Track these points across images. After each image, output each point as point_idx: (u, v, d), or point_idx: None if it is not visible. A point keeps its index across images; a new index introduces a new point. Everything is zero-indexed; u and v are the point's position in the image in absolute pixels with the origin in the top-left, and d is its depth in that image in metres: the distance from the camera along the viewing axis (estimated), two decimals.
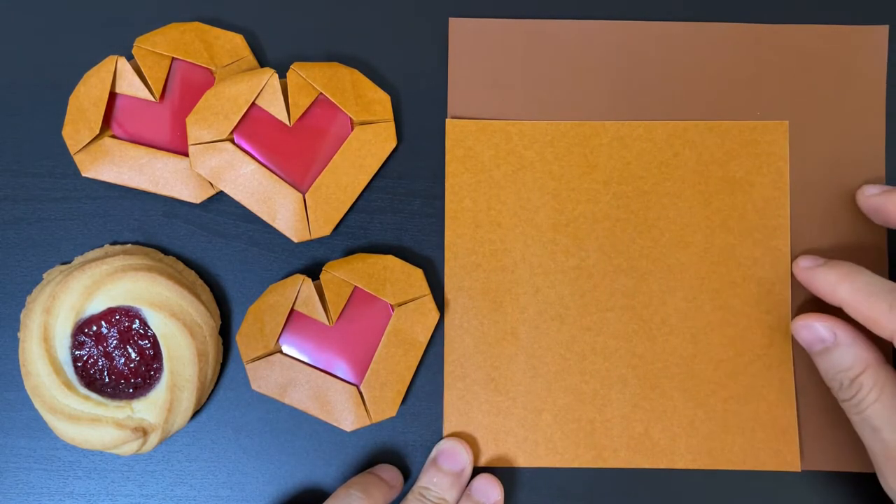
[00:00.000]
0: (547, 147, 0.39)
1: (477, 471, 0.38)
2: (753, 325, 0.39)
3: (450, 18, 0.40)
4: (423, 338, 0.38)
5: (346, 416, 0.37)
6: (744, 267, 0.39)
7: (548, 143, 0.39)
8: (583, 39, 0.40)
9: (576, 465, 0.38)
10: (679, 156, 0.39)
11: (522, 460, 0.38)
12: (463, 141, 0.39)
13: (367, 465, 0.39)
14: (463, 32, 0.40)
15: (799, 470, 0.38)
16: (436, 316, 0.38)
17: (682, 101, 0.40)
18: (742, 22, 0.40)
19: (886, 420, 0.33)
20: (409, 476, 0.39)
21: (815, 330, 0.36)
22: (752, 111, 0.40)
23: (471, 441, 0.38)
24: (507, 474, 0.39)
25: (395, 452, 0.39)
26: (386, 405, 0.37)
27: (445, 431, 0.38)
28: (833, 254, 0.39)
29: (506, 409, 0.38)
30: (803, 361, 0.38)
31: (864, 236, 0.39)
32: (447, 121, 0.39)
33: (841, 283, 0.35)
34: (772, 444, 0.38)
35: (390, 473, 0.37)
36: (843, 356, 0.35)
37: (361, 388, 0.37)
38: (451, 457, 0.37)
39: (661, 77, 0.40)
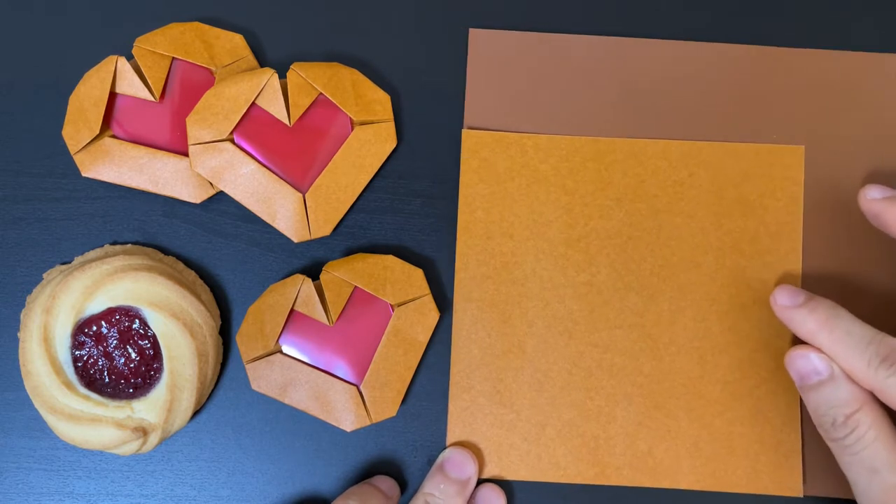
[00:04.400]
0: (562, 161, 0.39)
1: (479, 482, 0.38)
2: (761, 348, 0.38)
3: (470, 29, 0.40)
4: (424, 338, 0.38)
5: (347, 416, 0.37)
6: (753, 290, 0.38)
7: (563, 157, 0.39)
8: (602, 55, 0.40)
9: (578, 480, 0.38)
10: (694, 176, 0.39)
11: (524, 474, 0.38)
12: (478, 152, 0.39)
13: (367, 464, 0.39)
14: (482, 43, 0.40)
15: (801, 495, 0.38)
16: (436, 316, 0.38)
17: (699, 120, 0.39)
18: (762, 45, 0.40)
19: (886, 461, 0.31)
20: (405, 484, 0.39)
21: (811, 361, 0.34)
22: (768, 134, 0.39)
23: (474, 452, 0.38)
24: (508, 487, 0.39)
25: (396, 452, 0.39)
26: (386, 405, 0.37)
27: (448, 441, 0.38)
28: (845, 281, 0.39)
29: (510, 422, 0.38)
30: None
31: (877, 265, 0.39)
32: (463, 131, 0.39)
33: (819, 332, 0.33)
34: (775, 469, 0.38)
35: (387, 484, 0.37)
36: (839, 392, 0.33)
37: (361, 388, 0.37)
38: (458, 465, 0.37)
39: (679, 96, 0.40)
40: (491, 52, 0.40)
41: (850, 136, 0.39)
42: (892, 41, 0.40)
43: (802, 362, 0.34)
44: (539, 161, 0.39)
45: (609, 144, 0.39)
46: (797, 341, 0.36)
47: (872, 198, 0.35)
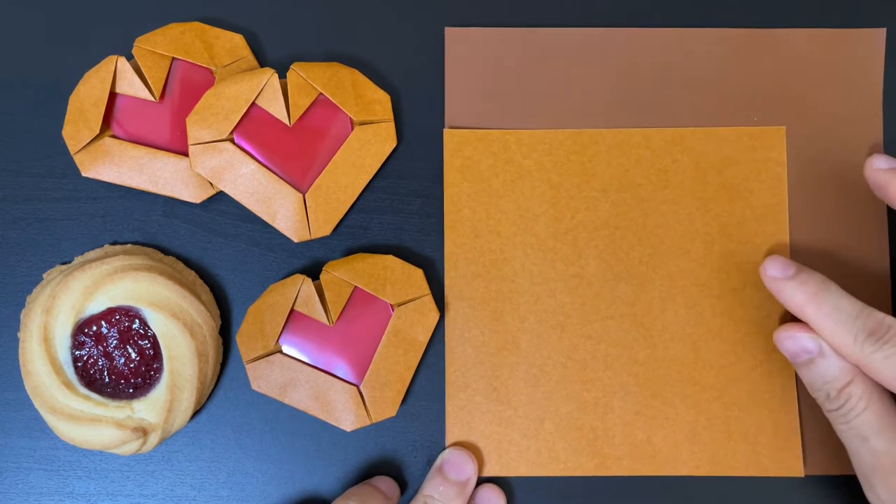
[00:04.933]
0: (545, 156, 0.39)
1: (480, 481, 0.38)
2: (754, 330, 0.38)
3: (445, 28, 0.40)
4: (424, 338, 0.38)
5: (346, 416, 0.37)
6: (744, 273, 0.39)
7: (546, 151, 0.39)
8: (579, 47, 0.40)
9: (578, 473, 0.38)
10: (677, 163, 0.39)
11: (525, 469, 0.38)
12: (461, 150, 0.39)
13: (367, 464, 0.39)
14: (459, 42, 0.40)
15: (802, 475, 0.38)
16: (436, 316, 0.38)
17: (680, 107, 0.40)
18: (737, 27, 0.40)
19: (875, 429, 0.33)
20: (405, 485, 0.39)
21: (799, 341, 0.34)
22: (749, 117, 0.40)
23: (473, 450, 0.38)
24: (509, 487, 0.39)
25: (396, 452, 0.39)
26: (386, 405, 0.37)
27: (448, 441, 0.38)
28: (833, 259, 0.39)
29: (507, 419, 0.38)
30: None
31: (864, 241, 0.39)
32: (445, 131, 0.39)
33: (808, 305, 0.34)
34: (774, 450, 0.38)
35: (387, 484, 0.37)
36: (829, 367, 0.34)
37: (361, 388, 0.37)
38: (457, 466, 0.37)
39: (658, 84, 0.40)
40: (468, 50, 0.40)
41: (831, 113, 0.39)
42: (868, 16, 0.40)
43: (790, 343, 0.35)
44: (522, 156, 0.39)
45: (591, 136, 0.39)
46: (787, 320, 0.37)
47: (878, 168, 0.36)
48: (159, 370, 0.36)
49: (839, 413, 0.34)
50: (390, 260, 0.38)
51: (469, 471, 0.37)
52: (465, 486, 0.37)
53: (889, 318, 0.33)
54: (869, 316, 0.33)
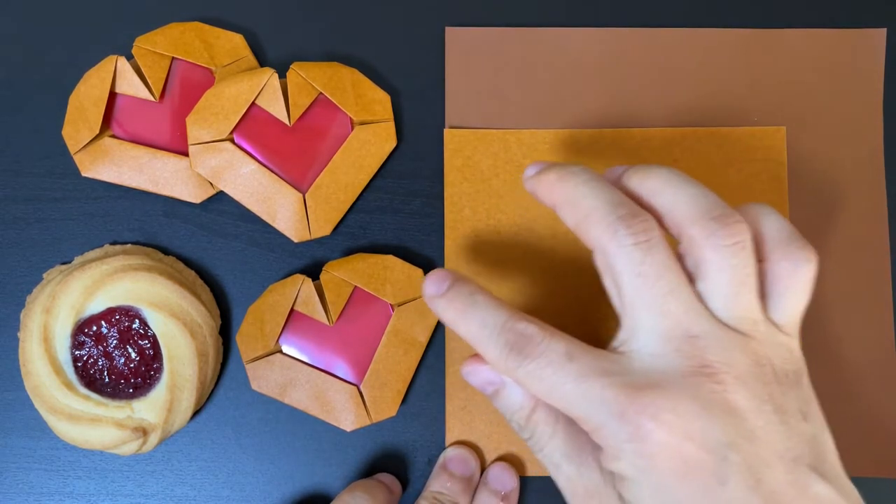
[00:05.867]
0: (546, 155, 0.39)
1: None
2: None
3: (446, 28, 0.40)
4: (424, 338, 0.38)
5: (346, 415, 0.37)
6: None
7: (546, 151, 0.39)
8: (579, 47, 0.40)
9: None
10: (678, 163, 0.39)
11: (525, 469, 0.38)
12: (461, 150, 0.39)
13: (367, 464, 0.39)
14: (459, 41, 0.40)
15: None
16: (436, 316, 0.38)
17: (680, 107, 0.40)
18: (738, 27, 0.40)
19: (564, 454, 0.30)
20: (405, 484, 0.39)
21: (481, 374, 0.31)
22: (749, 117, 0.40)
23: (473, 450, 0.38)
24: None
25: (396, 452, 0.39)
26: (386, 405, 0.37)
27: (448, 441, 0.38)
28: (833, 259, 0.39)
29: None
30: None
31: (865, 241, 0.39)
32: (445, 130, 0.39)
33: (457, 324, 0.30)
34: None
35: (390, 479, 0.38)
36: (513, 395, 0.31)
37: (361, 387, 0.37)
38: (462, 462, 0.37)
39: (659, 84, 0.40)
40: (468, 50, 0.40)
41: (831, 113, 0.39)
42: (868, 16, 0.40)
43: (473, 378, 0.32)
44: (523, 156, 0.39)
45: (592, 136, 0.39)
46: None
47: (527, 176, 0.32)
48: (159, 370, 0.36)
49: (532, 442, 0.31)
50: (390, 260, 0.38)
51: (472, 466, 0.37)
52: (470, 482, 0.37)
53: (531, 328, 0.29)
54: (511, 328, 0.29)
